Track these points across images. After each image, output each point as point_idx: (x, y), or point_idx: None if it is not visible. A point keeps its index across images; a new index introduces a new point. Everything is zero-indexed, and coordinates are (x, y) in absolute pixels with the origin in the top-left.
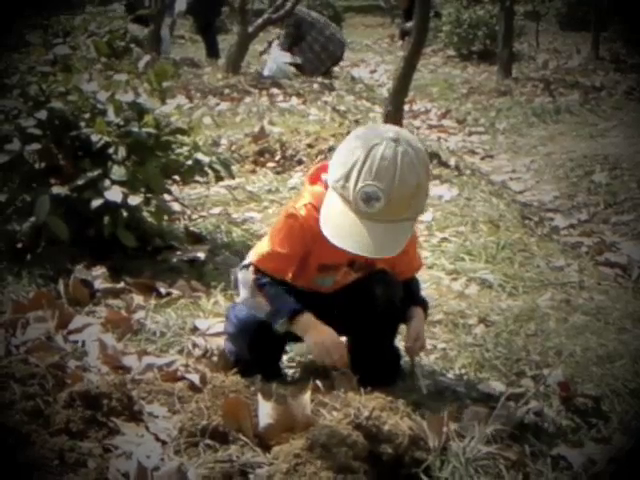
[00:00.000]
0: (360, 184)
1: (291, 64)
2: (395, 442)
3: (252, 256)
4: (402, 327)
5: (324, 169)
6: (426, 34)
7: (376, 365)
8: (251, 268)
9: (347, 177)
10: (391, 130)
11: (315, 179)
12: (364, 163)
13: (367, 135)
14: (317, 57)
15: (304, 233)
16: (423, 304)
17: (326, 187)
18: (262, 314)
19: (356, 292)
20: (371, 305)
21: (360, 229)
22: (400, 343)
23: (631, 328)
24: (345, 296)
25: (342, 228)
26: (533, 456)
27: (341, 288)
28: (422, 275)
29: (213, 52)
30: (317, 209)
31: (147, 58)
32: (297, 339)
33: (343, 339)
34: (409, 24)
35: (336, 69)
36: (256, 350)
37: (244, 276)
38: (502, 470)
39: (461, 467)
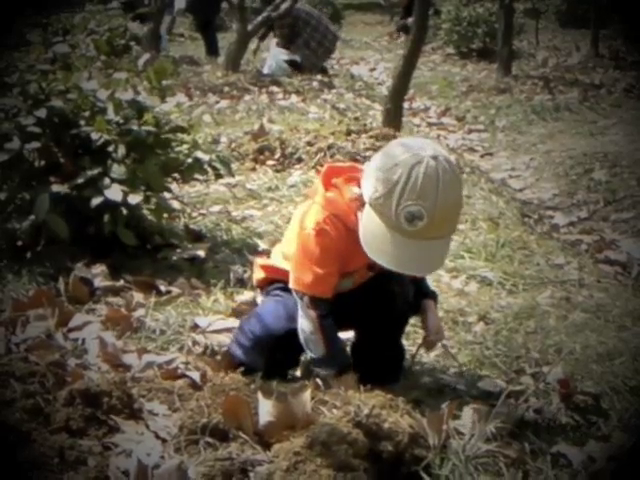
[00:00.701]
0: (404, 203)
1: (288, 63)
2: (395, 440)
3: (296, 285)
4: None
5: (334, 172)
6: (425, 32)
7: (381, 361)
8: (306, 299)
9: (388, 196)
10: (429, 146)
11: (328, 185)
12: (407, 182)
13: (406, 152)
14: (314, 53)
15: (337, 246)
16: (433, 296)
17: (361, 203)
18: (315, 353)
19: (371, 289)
20: (387, 302)
21: (402, 247)
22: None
23: (631, 326)
24: (360, 293)
25: (385, 247)
26: (533, 454)
27: (357, 286)
28: None
29: (213, 50)
30: (338, 217)
31: (146, 56)
32: None
33: (350, 334)
34: (409, 19)
35: (336, 67)
36: (272, 365)
37: (303, 308)
38: (502, 468)
39: (461, 465)
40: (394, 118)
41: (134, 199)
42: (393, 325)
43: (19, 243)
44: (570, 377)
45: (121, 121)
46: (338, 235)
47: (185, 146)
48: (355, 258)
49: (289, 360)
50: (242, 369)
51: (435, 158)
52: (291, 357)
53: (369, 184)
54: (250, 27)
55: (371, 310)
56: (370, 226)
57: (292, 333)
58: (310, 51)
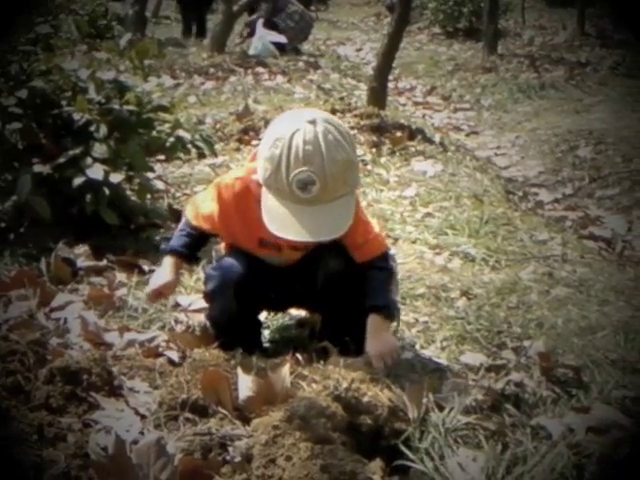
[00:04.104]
0: (292, 173)
1: (274, 44)
2: (374, 413)
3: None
4: None
5: None
6: (409, 9)
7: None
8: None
9: (277, 171)
10: (306, 113)
11: (255, 157)
12: (289, 152)
13: (285, 124)
14: (297, 25)
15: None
16: (385, 308)
17: (260, 186)
18: None
19: (308, 271)
20: (329, 281)
21: (306, 217)
22: None
23: (614, 300)
24: (299, 273)
25: (288, 222)
26: (513, 426)
27: (295, 264)
28: (406, 249)
29: (200, 32)
30: (245, 182)
31: (128, 36)
32: (277, 306)
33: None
34: None
35: (322, 47)
36: (237, 303)
37: None
38: (481, 440)
39: (440, 437)
40: (379, 97)
41: (116, 178)
42: (343, 300)
43: (2, 224)
44: (551, 351)
45: (103, 100)
46: (232, 195)
47: (167, 125)
48: (259, 229)
49: (253, 299)
50: (218, 342)
51: (313, 122)
52: (256, 294)
53: (260, 166)
54: (235, 8)
55: (317, 291)
56: (269, 206)
57: (252, 272)
58: (294, 22)
